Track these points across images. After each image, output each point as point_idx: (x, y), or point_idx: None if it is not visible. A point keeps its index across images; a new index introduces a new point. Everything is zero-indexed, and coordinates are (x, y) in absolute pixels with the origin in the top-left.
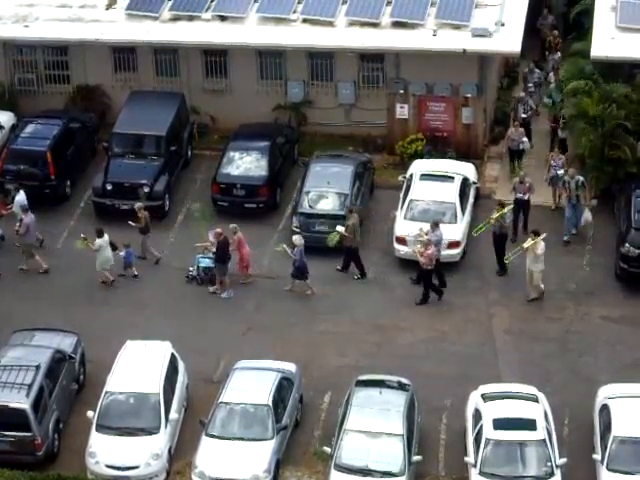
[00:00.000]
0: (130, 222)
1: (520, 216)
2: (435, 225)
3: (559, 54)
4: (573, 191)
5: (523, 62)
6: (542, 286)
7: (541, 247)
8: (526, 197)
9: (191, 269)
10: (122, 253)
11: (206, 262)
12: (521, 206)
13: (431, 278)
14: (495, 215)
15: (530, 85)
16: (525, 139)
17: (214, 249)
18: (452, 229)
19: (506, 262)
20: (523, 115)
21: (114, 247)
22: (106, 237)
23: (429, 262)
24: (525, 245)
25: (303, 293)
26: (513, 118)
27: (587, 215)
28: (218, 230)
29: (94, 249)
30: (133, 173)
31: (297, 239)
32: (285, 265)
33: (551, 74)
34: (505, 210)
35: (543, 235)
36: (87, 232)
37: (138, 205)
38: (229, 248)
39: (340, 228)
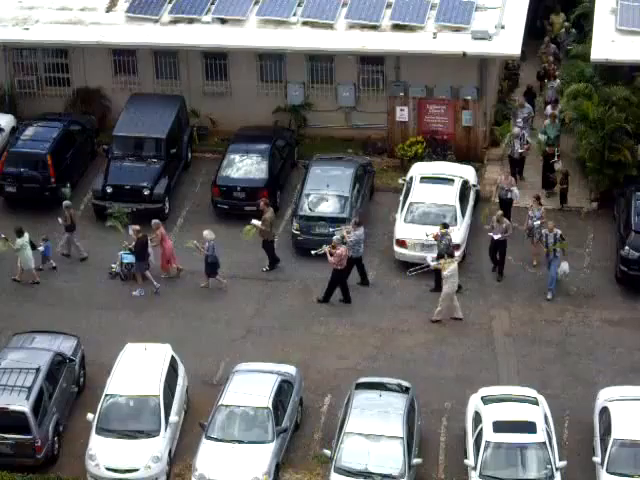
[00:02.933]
0: (58, 219)
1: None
2: (356, 225)
3: (558, 82)
4: (551, 246)
5: (524, 64)
6: (459, 313)
7: (450, 269)
8: (496, 237)
9: (114, 265)
10: (41, 248)
11: (129, 258)
12: (497, 246)
13: (342, 278)
14: (431, 232)
15: (519, 120)
16: (514, 188)
17: (132, 247)
18: (452, 232)
19: (409, 274)
20: (520, 150)
21: (33, 246)
22: (26, 236)
23: (338, 262)
24: (432, 264)
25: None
26: (509, 154)
27: (565, 267)
28: (136, 227)
29: (15, 249)
30: (133, 176)
31: (208, 233)
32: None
33: (549, 107)
34: (443, 231)
35: (455, 259)
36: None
37: (65, 203)
38: (148, 245)
39: (255, 221)
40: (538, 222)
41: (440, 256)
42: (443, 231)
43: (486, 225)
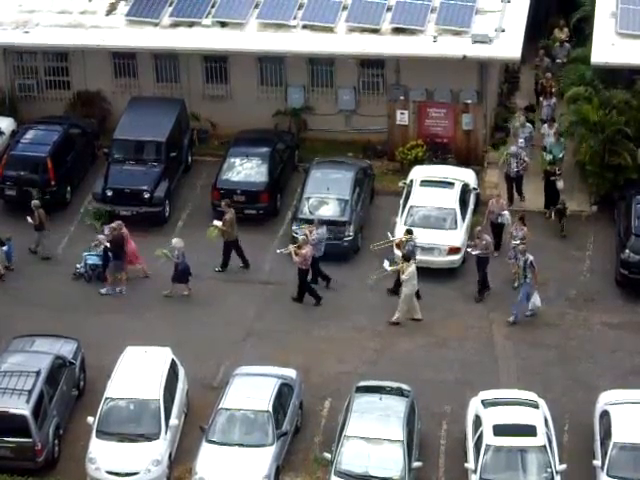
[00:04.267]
0: (28, 218)
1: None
2: (319, 224)
3: (554, 99)
4: (521, 270)
5: (523, 67)
6: (418, 314)
7: (408, 272)
8: (474, 253)
9: (78, 266)
10: (5, 247)
11: (93, 259)
12: (479, 263)
13: (306, 278)
14: (390, 237)
15: (521, 141)
16: (505, 212)
17: (108, 245)
18: (452, 235)
19: (369, 281)
20: (516, 169)
21: (1, 243)
22: None
23: (303, 262)
24: (389, 268)
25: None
26: (506, 172)
27: (536, 299)
28: (113, 225)
29: None
30: (133, 179)
31: (177, 241)
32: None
33: (545, 126)
34: (407, 237)
35: (412, 263)
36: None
37: (34, 203)
38: (124, 243)
39: (217, 222)
40: (517, 241)
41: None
42: (407, 237)
43: (469, 241)
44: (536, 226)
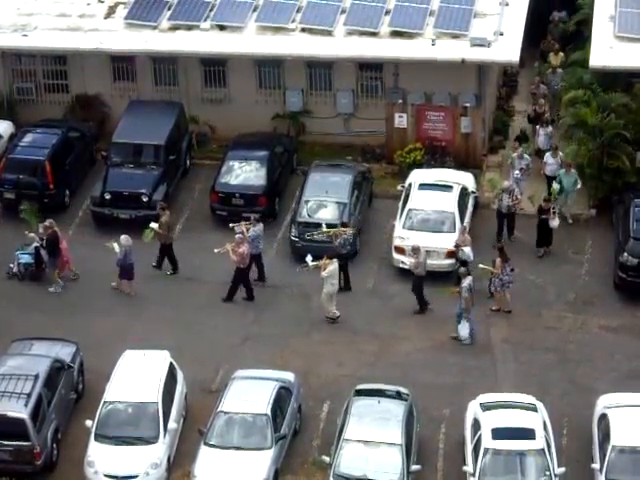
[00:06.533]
0: None
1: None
2: (256, 221)
3: (550, 128)
4: (462, 295)
5: (523, 71)
6: (334, 311)
7: (328, 270)
8: (401, 265)
9: (11, 265)
10: None
11: (26, 258)
12: (415, 281)
13: (246, 276)
14: (325, 229)
15: (517, 172)
16: (465, 248)
17: (39, 243)
18: (451, 238)
19: (298, 271)
20: (507, 205)
21: None
22: None
23: (241, 260)
24: (311, 264)
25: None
26: (497, 208)
27: (463, 329)
28: (46, 223)
29: None
30: (132, 182)
31: (123, 239)
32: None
33: (548, 154)
34: (341, 230)
35: (334, 261)
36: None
37: None
38: (59, 242)
39: (154, 225)
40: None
41: (338, 256)
42: (341, 230)
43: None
44: (534, 227)
